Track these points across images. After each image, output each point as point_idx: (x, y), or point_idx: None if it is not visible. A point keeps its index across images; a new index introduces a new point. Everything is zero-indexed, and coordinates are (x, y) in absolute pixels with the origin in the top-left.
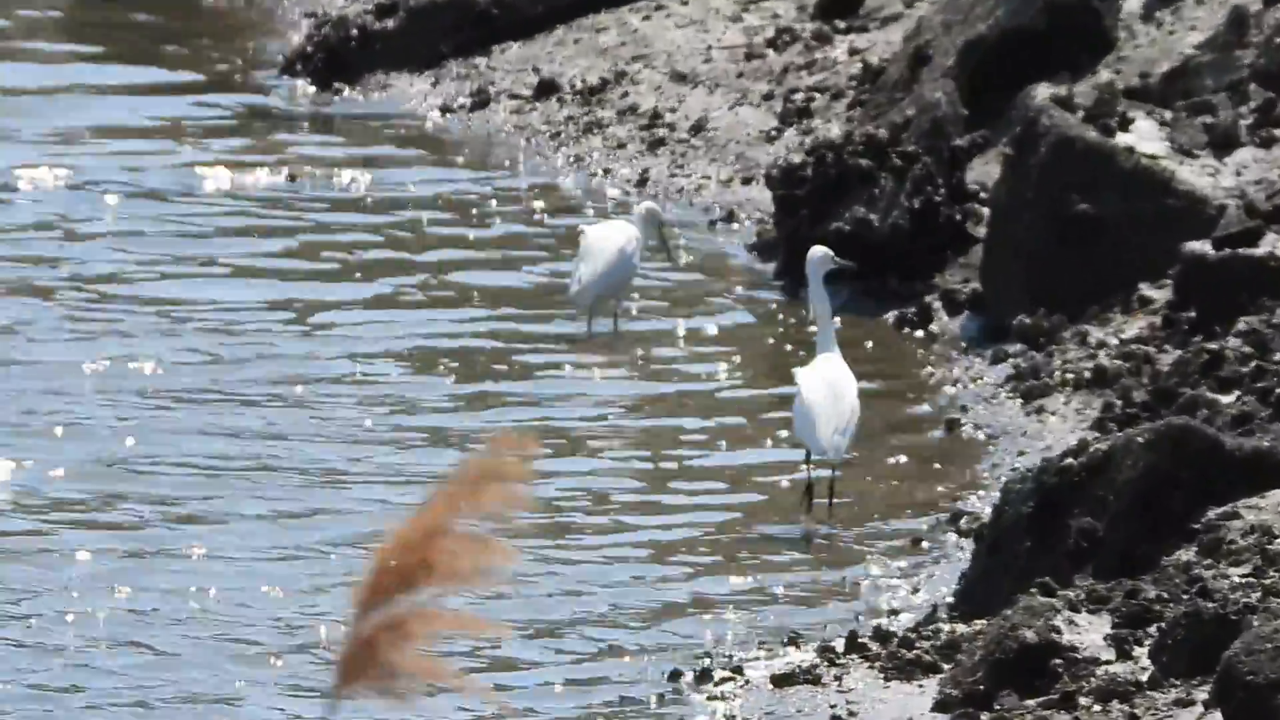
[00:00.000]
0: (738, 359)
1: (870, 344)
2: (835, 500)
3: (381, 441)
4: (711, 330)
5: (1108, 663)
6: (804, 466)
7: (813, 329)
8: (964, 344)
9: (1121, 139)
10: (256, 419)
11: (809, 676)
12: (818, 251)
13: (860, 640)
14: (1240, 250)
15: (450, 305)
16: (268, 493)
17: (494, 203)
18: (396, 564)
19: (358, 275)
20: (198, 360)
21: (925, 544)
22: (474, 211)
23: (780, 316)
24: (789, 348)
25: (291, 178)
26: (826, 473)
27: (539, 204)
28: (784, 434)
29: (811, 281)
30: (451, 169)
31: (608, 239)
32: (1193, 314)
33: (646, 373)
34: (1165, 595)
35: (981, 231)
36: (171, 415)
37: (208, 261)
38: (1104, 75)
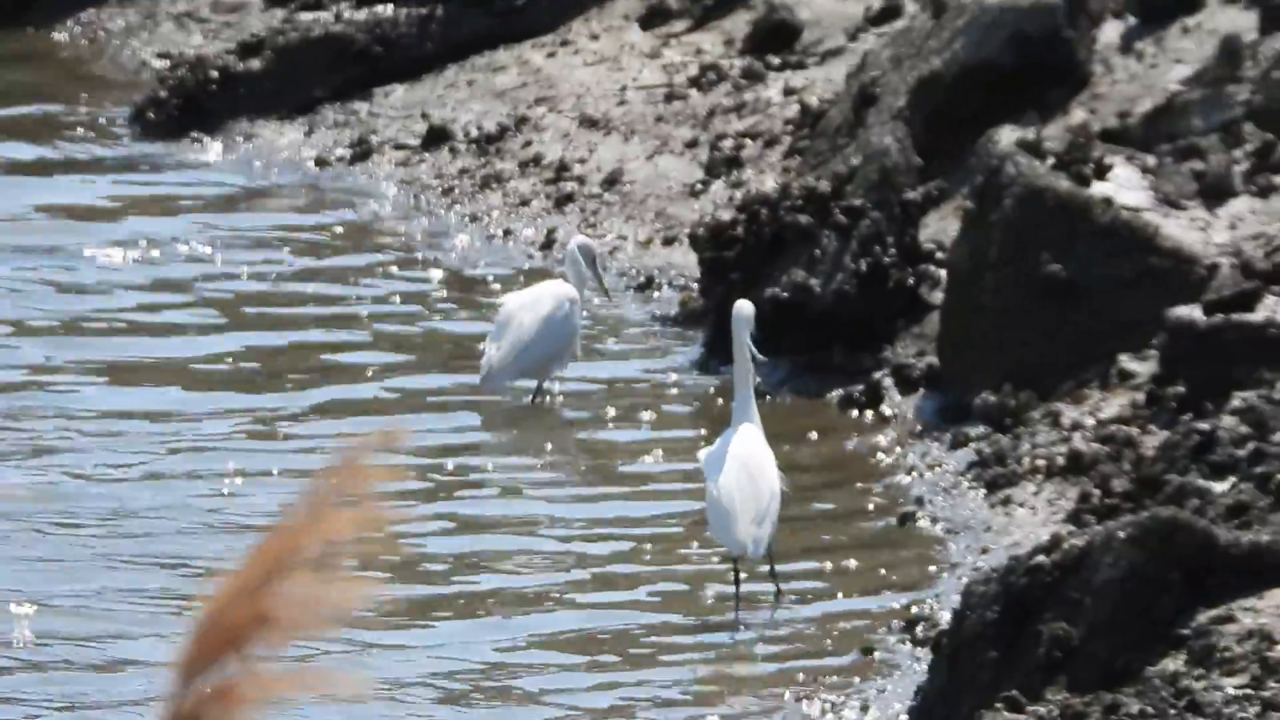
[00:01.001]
0: (659, 449)
1: (813, 427)
2: (780, 589)
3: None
4: (632, 415)
5: None
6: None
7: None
8: (919, 426)
9: (1098, 189)
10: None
11: None
12: (747, 307)
13: None
14: (1235, 316)
15: (324, 384)
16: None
17: (378, 271)
18: (224, 619)
19: (214, 361)
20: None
21: (877, 654)
22: (354, 280)
23: (709, 397)
24: (711, 434)
25: (143, 241)
26: (764, 567)
27: (431, 273)
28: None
29: (736, 340)
30: (329, 231)
31: (529, 309)
32: (1181, 389)
33: (562, 460)
34: (1150, 710)
35: (938, 297)
36: None
37: (18, 326)
38: (1077, 115)
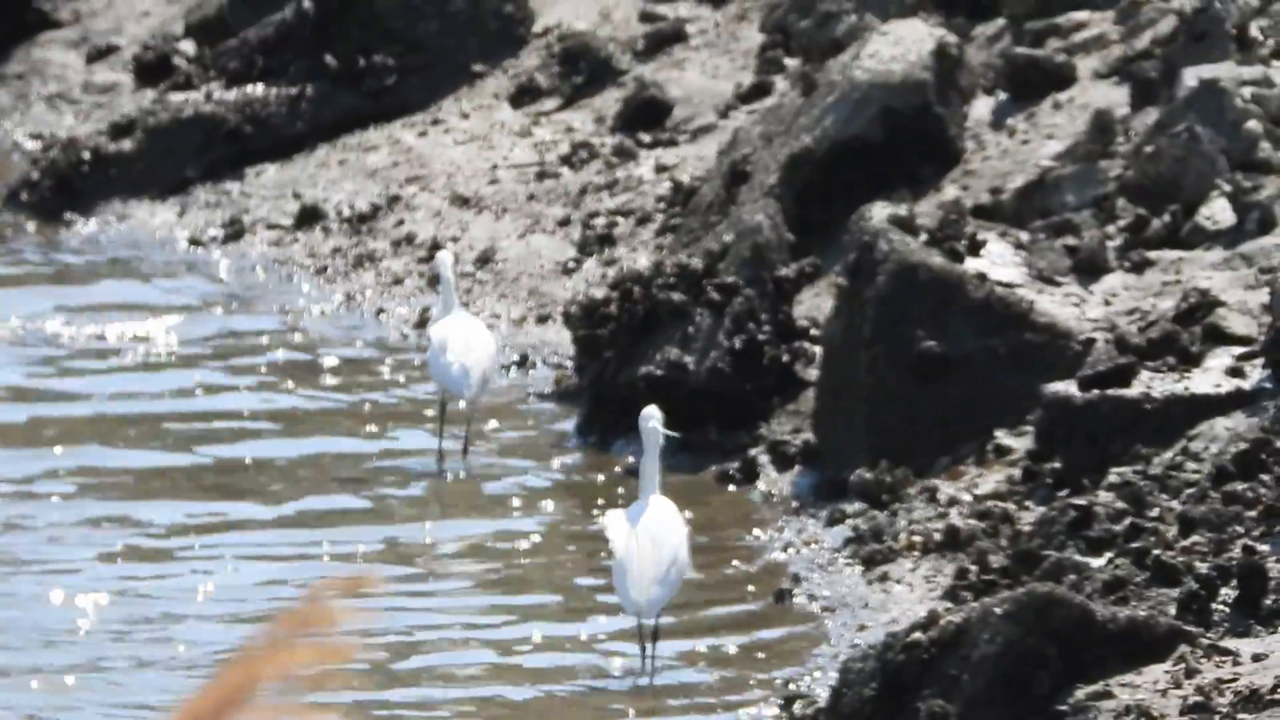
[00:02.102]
0: (539, 529)
1: (689, 504)
2: (653, 657)
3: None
4: (511, 495)
5: None
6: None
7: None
8: (795, 503)
9: (971, 264)
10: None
11: None
12: (655, 412)
13: None
14: (1110, 391)
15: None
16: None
17: (254, 352)
18: None
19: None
20: None
21: None
22: (232, 361)
23: (586, 476)
24: (595, 513)
25: (19, 326)
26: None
27: (296, 354)
28: (599, 603)
29: (646, 445)
30: (205, 313)
31: (473, 331)
32: (1058, 465)
33: (448, 544)
34: None
35: (813, 374)
36: None
37: None
38: (950, 191)
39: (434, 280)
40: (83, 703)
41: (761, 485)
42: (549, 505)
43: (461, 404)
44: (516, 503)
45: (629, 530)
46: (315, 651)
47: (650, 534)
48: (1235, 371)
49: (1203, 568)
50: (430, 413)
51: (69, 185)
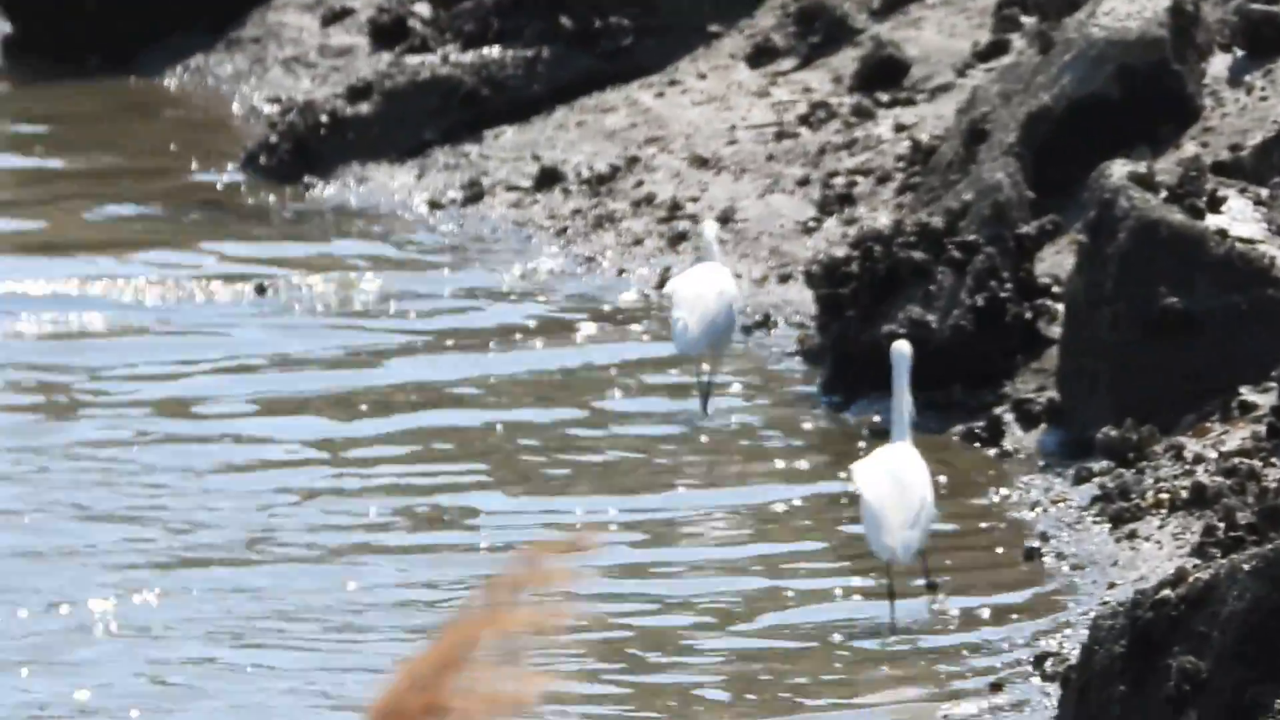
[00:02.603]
0: (783, 488)
1: (935, 464)
2: (935, 584)
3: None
4: (754, 455)
5: None
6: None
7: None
8: (1042, 462)
9: (1212, 221)
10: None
11: None
12: (905, 346)
13: None
14: None
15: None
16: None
17: (493, 312)
18: (399, 709)
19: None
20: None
21: (1005, 690)
22: (470, 322)
23: (830, 435)
24: (841, 473)
25: (260, 289)
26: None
27: (540, 310)
28: (844, 562)
29: (896, 377)
30: (444, 272)
31: (706, 284)
32: None
33: (700, 500)
34: None
35: (1056, 331)
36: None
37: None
38: (1189, 148)
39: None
40: None
41: (1007, 444)
42: (793, 464)
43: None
44: (760, 463)
45: (878, 477)
46: (535, 613)
47: (898, 479)
48: None
49: None
50: (673, 372)
51: (307, 149)
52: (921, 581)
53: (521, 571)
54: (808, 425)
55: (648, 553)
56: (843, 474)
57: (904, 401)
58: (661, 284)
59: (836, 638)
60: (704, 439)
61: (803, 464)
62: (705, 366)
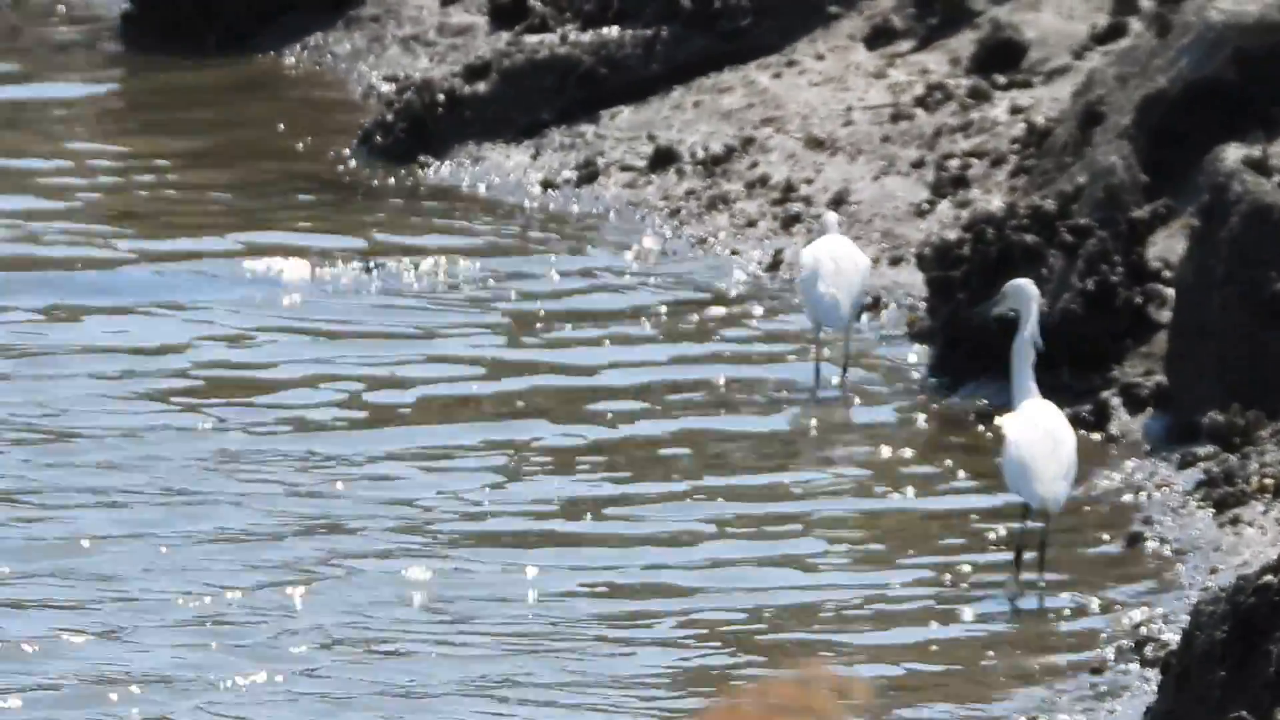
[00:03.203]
0: (896, 470)
1: None
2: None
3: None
4: (865, 438)
5: None
6: (1021, 524)
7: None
8: (1148, 446)
9: None
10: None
11: None
12: (1032, 286)
13: None
14: None
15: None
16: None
17: (608, 293)
18: None
19: (453, 384)
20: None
21: (1106, 673)
22: (587, 302)
23: (940, 417)
24: (949, 460)
25: (368, 269)
26: (1038, 525)
27: (659, 296)
28: (960, 542)
29: (1024, 316)
30: (560, 254)
31: (848, 258)
32: None
33: (820, 477)
34: None
35: (1166, 316)
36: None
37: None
38: None
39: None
40: None
41: (1113, 428)
42: (904, 449)
43: (833, 331)
44: (870, 446)
45: (1029, 428)
46: None
47: (1050, 432)
48: None
49: None
50: (788, 346)
51: (423, 127)
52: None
53: (786, 693)
54: (916, 405)
55: (759, 527)
56: (949, 460)
57: (1026, 350)
58: (774, 265)
59: (941, 618)
60: (816, 421)
61: (910, 445)
62: (838, 336)
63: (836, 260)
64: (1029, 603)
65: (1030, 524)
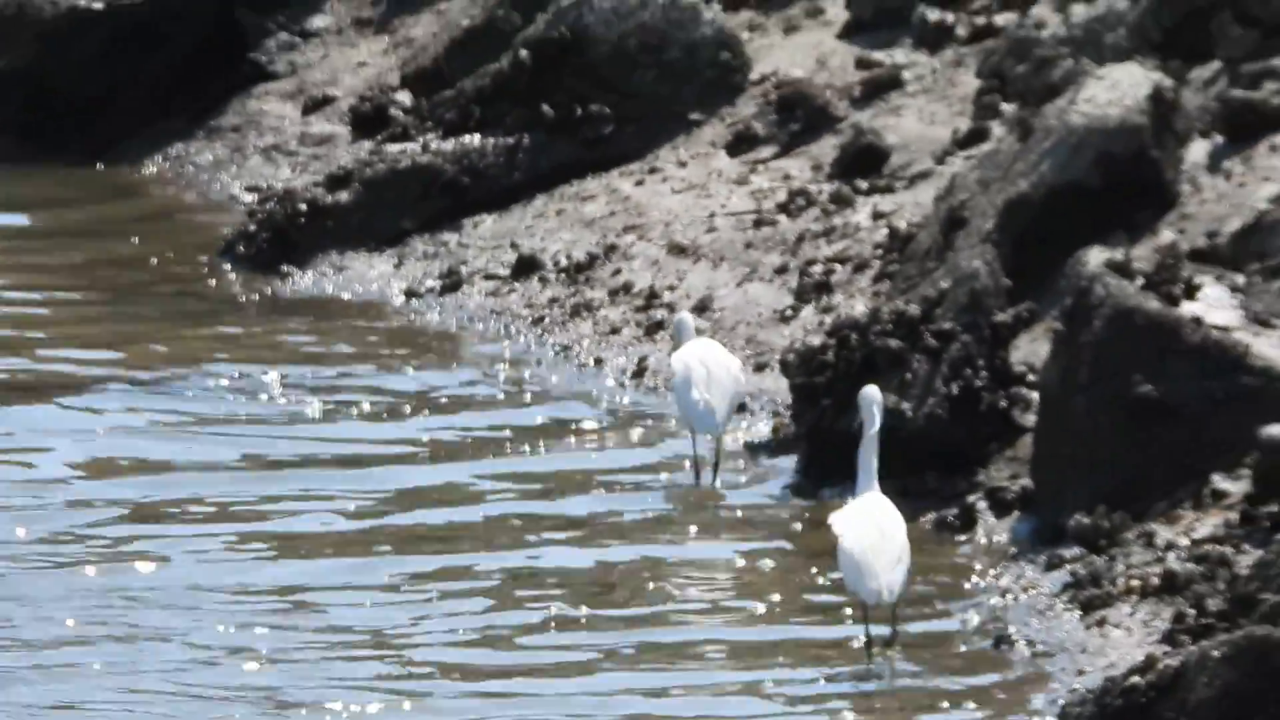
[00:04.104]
0: (760, 578)
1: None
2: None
3: None
4: (733, 540)
5: None
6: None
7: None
8: (1013, 549)
9: (1188, 308)
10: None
11: None
12: (874, 390)
13: None
14: None
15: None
16: None
17: (470, 410)
18: None
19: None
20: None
21: None
22: (450, 414)
23: (807, 520)
24: (816, 569)
25: (237, 375)
26: (884, 630)
27: (527, 411)
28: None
29: (866, 426)
30: (422, 367)
31: (720, 363)
32: (1274, 508)
33: (676, 581)
34: None
35: (1031, 419)
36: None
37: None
38: (1166, 235)
39: (672, 338)
40: None
41: (979, 531)
42: (767, 559)
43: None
44: (734, 550)
45: (858, 523)
46: None
47: (878, 525)
48: None
49: None
50: (656, 454)
51: (286, 237)
52: (887, 631)
53: None
54: (780, 511)
55: (639, 632)
56: (813, 566)
57: (871, 456)
58: (639, 373)
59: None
60: (688, 518)
61: (773, 555)
62: (711, 442)
63: (707, 365)
64: (894, 702)
65: (871, 620)
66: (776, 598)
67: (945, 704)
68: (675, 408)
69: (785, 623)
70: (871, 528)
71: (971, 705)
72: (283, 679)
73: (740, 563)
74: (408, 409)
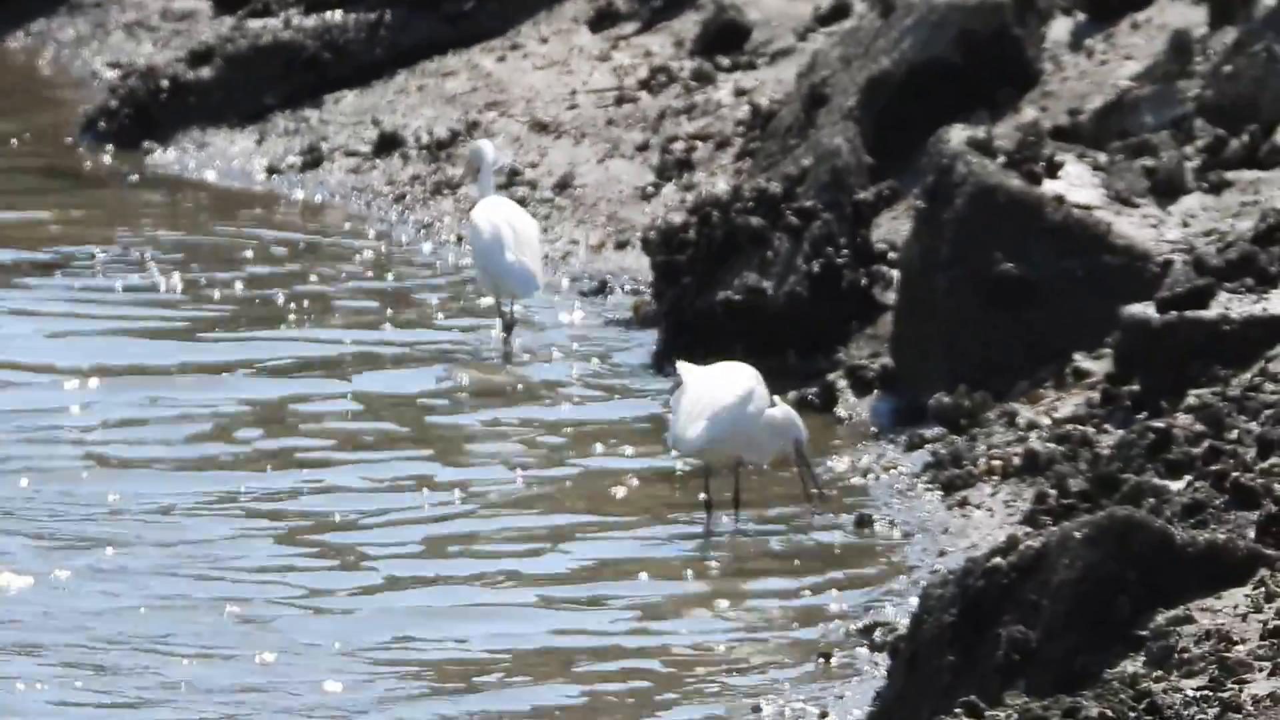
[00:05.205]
0: (614, 455)
1: None
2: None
3: None
4: (585, 421)
5: None
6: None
7: None
8: (874, 428)
9: (1049, 187)
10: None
11: None
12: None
13: None
14: (1189, 313)
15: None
16: None
17: (332, 284)
18: None
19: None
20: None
21: (835, 658)
22: (305, 290)
23: (661, 399)
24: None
25: (91, 256)
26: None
27: (383, 282)
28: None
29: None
30: (281, 245)
31: (518, 215)
32: (1136, 388)
33: (522, 462)
34: (1109, 713)
35: (891, 298)
36: None
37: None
38: (1028, 113)
39: (474, 172)
40: None
41: (840, 410)
42: (623, 430)
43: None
44: (595, 424)
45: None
46: None
47: (508, 219)
48: None
49: None
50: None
51: (147, 113)
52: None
53: None
54: (640, 389)
55: (480, 520)
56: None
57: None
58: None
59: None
60: (535, 401)
61: (631, 431)
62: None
63: (514, 226)
64: (753, 584)
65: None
66: (631, 469)
67: (804, 585)
68: (480, 273)
69: (640, 495)
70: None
71: (831, 587)
72: None
73: (584, 445)
74: (263, 283)
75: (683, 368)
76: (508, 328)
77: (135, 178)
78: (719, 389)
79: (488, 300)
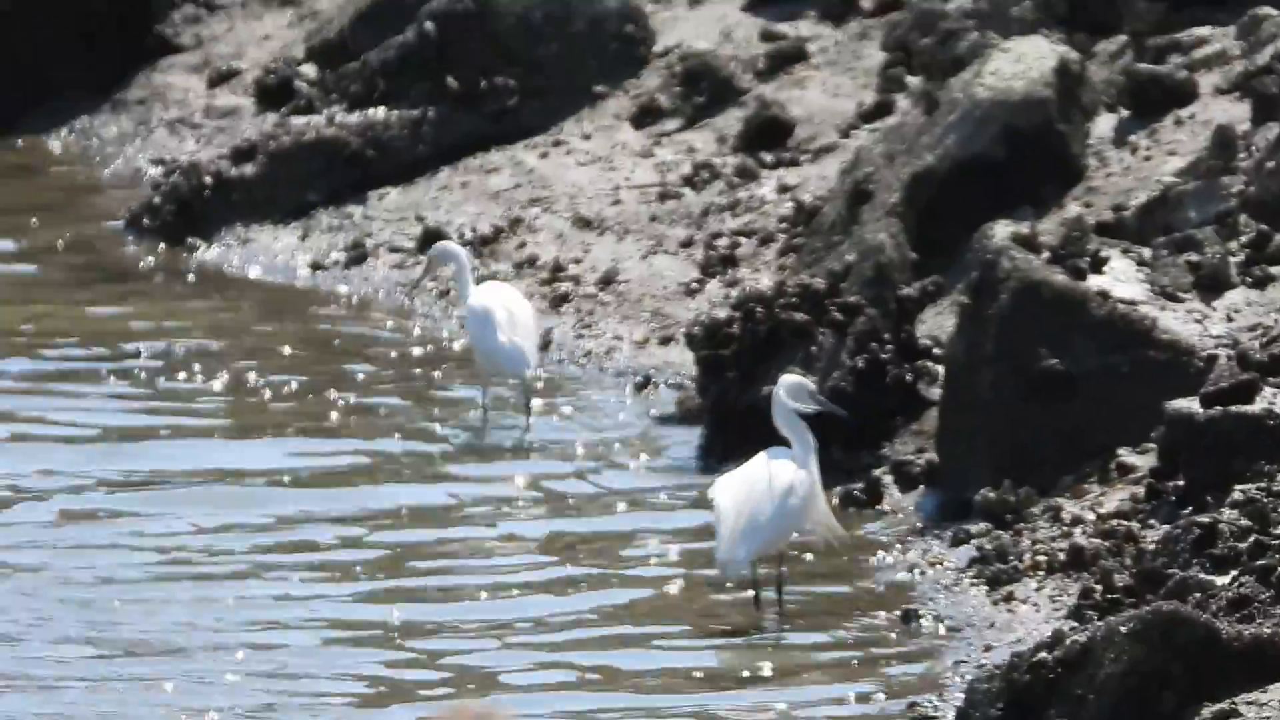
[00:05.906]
0: (661, 553)
1: None
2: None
3: None
4: (635, 517)
5: None
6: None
7: None
8: (920, 523)
9: (1094, 282)
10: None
11: None
12: (790, 381)
13: None
14: (1233, 408)
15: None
16: None
17: (380, 380)
18: None
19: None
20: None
21: None
22: (356, 390)
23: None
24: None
25: (136, 354)
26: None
27: (432, 382)
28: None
29: (781, 423)
30: (327, 340)
31: (513, 298)
32: (1181, 483)
33: (567, 554)
34: None
35: (936, 393)
36: None
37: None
38: (1072, 209)
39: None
40: None
41: (885, 505)
42: (668, 524)
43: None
44: (639, 524)
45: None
46: None
47: (748, 486)
48: None
49: None
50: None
51: (191, 210)
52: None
53: None
54: (685, 485)
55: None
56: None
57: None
58: (544, 345)
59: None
60: (592, 494)
61: (679, 527)
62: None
63: (508, 308)
64: (797, 679)
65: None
66: (678, 571)
67: (851, 679)
68: (476, 354)
69: (685, 597)
70: (740, 489)
71: (878, 681)
72: None
73: (631, 549)
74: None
75: (716, 488)
76: (485, 411)
77: (183, 275)
78: (756, 496)
79: (497, 388)
